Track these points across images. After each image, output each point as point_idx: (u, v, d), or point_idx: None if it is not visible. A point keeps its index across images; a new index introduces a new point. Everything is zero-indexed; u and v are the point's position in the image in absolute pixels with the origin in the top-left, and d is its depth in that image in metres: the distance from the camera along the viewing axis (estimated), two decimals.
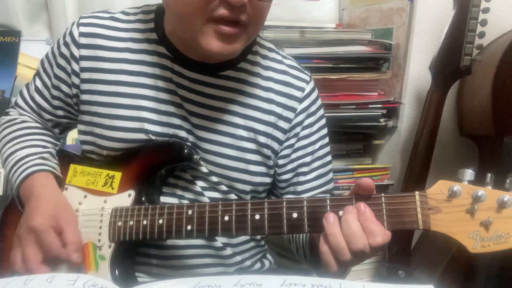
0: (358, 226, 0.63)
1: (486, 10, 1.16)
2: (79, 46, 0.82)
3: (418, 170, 1.26)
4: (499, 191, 0.60)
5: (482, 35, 1.16)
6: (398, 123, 1.44)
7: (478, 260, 1.29)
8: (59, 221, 0.75)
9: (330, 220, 0.65)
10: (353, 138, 1.47)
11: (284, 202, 0.68)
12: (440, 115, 1.25)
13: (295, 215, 0.67)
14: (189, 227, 0.72)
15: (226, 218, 0.70)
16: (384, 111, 1.39)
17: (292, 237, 0.86)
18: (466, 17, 1.16)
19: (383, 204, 0.64)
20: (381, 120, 1.39)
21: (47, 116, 0.89)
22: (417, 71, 1.38)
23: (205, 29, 0.69)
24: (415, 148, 1.27)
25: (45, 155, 0.85)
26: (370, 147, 1.52)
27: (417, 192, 0.63)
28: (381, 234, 0.62)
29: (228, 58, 0.75)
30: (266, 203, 0.69)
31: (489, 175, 0.61)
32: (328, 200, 0.66)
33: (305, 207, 0.67)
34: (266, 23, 1.46)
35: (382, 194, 0.64)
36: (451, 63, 1.20)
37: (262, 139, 0.83)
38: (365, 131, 1.47)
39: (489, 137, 1.30)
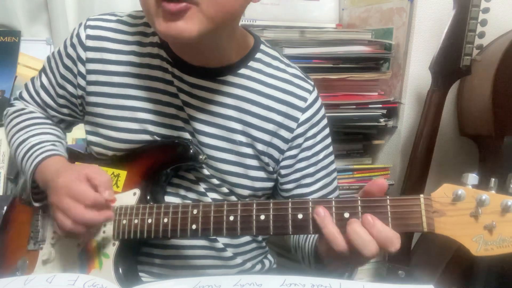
0: (367, 234, 0.62)
1: (486, 10, 1.16)
2: (86, 48, 0.82)
3: (418, 170, 1.26)
4: (502, 195, 0.60)
5: (482, 35, 1.17)
6: (398, 123, 1.44)
7: (478, 260, 1.29)
8: (82, 172, 0.74)
9: (321, 213, 0.65)
10: (353, 138, 1.46)
11: (290, 203, 0.68)
12: (440, 115, 1.25)
13: (300, 216, 0.67)
14: (194, 226, 0.72)
15: (232, 218, 0.70)
16: (384, 111, 1.39)
17: (298, 246, 0.86)
18: (466, 17, 1.16)
19: (388, 206, 0.64)
20: (381, 120, 1.39)
21: (52, 113, 0.90)
22: (417, 71, 1.38)
23: (157, 11, 0.66)
24: (415, 148, 1.27)
25: (56, 143, 0.86)
26: (370, 147, 1.52)
27: (422, 196, 0.63)
28: (397, 238, 0.62)
29: (182, 40, 0.67)
30: (271, 204, 0.69)
31: (493, 179, 0.62)
32: (333, 201, 0.66)
33: (310, 208, 0.66)
34: (266, 23, 1.48)
35: (388, 197, 0.64)
36: (451, 63, 1.20)
37: (259, 146, 0.82)
38: (365, 131, 1.47)
39: (489, 137, 1.30)
